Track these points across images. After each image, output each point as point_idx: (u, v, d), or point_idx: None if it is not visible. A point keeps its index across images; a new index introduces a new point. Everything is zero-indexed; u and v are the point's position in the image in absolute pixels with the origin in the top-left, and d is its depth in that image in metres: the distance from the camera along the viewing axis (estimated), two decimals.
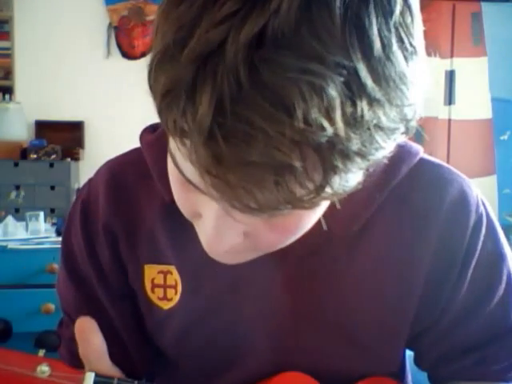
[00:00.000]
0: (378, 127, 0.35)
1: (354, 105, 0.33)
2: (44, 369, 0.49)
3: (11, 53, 3.16)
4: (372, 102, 0.34)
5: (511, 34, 3.31)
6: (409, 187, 0.59)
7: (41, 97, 3.14)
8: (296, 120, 0.32)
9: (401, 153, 0.59)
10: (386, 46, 0.34)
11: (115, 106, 3.17)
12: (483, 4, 3.33)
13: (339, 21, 0.32)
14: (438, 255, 0.60)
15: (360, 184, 0.39)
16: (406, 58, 0.35)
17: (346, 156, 0.34)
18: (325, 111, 0.32)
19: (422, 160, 0.61)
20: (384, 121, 0.35)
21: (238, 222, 0.41)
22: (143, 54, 3.21)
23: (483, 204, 0.62)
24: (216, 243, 0.43)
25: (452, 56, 3.34)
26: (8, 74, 3.17)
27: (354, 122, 0.33)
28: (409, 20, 0.36)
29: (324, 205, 0.45)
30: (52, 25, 3.14)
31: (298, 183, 0.35)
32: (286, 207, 0.37)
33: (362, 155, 0.35)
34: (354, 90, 0.33)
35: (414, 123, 0.38)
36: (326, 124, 0.33)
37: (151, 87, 0.36)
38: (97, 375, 0.50)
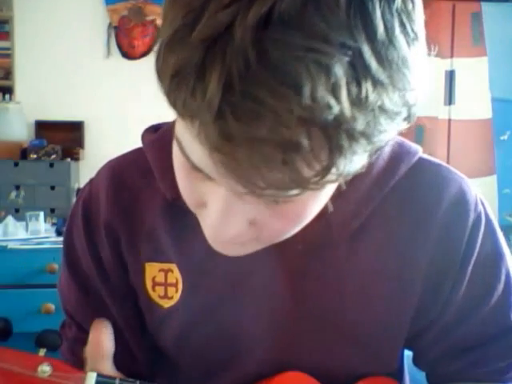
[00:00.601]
0: (382, 109, 0.35)
1: (359, 85, 0.34)
2: (45, 368, 0.49)
3: (11, 53, 3.16)
4: (376, 83, 0.34)
5: (511, 34, 3.31)
6: (408, 186, 0.60)
7: (41, 97, 3.14)
8: (303, 97, 0.33)
9: (400, 152, 0.59)
10: (388, 30, 0.35)
11: (115, 106, 3.17)
12: (483, 4, 3.33)
13: (344, 3, 0.33)
14: (437, 254, 0.60)
15: (364, 167, 0.40)
16: (407, 43, 0.36)
17: (352, 136, 0.35)
18: (331, 89, 0.33)
19: (420, 159, 0.61)
20: (387, 103, 0.35)
21: (243, 209, 0.42)
22: (143, 54, 3.21)
23: (482, 203, 0.62)
24: (221, 231, 0.43)
25: (452, 56, 3.35)
26: (8, 74, 3.17)
27: (358, 102, 0.34)
28: (410, 6, 0.37)
29: (328, 192, 0.46)
30: (52, 25, 3.15)
31: (305, 163, 0.35)
32: (292, 188, 0.38)
33: (367, 136, 0.36)
34: (358, 70, 0.34)
35: (415, 109, 0.39)
36: (332, 102, 0.33)
37: (159, 70, 0.37)
38: (99, 375, 0.50)
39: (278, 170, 0.36)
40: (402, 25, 0.36)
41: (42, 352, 0.50)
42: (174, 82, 0.36)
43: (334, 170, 0.37)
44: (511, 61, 3.33)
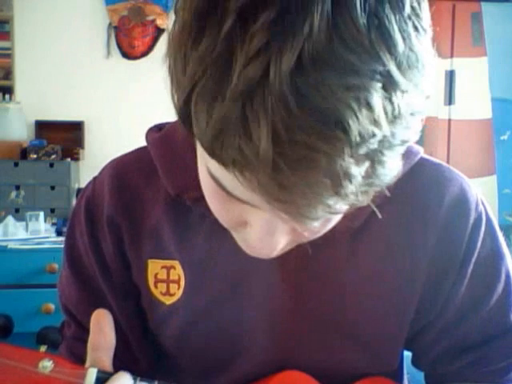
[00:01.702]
0: (412, 114, 0.37)
1: (392, 103, 0.35)
2: (46, 364, 0.49)
3: (11, 53, 3.16)
4: (403, 93, 0.35)
5: (511, 34, 3.31)
6: (409, 186, 0.60)
7: (41, 97, 3.14)
8: (353, 136, 0.34)
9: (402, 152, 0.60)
10: (406, 39, 0.35)
11: (115, 106, 3.17)
12: (483, 4, 3.33)
13: (363, 27, 0.34)
14: (438, 254, 0.60)
15: (400, 166, 0.41)
16: (421, 43, 0.37)
17: (392, 149, 0.37)
18: (373, 120, 0.34)
19: (422, 159, 0.61)
20: (415, 106, 0.37)
21: (285, 226, 0.43)
22: (143, 54, 3.21)
23: (482, 203, 0.62)
24: (267, 247, 0.45)
25: (452, 56, 3.34)
26: (8, 74, 3.17)
27: (393, 118, 0.35)
28: (416, 5, 0.37)
29: None
30: (52, 25, 3.14)
31: (355, 186, 0.37)
32: (341, 210, 0.39)
33: (403, 143, 0.37)
34: (389, 89, 0.35)
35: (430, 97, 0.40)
36: (376, 130, 0.34)
37: (198, 132, 0.37)
38: (99, 371, 0.50)
39: (332, 200, 0.37)
40: (415, 28, 0.36)
41: (43, 348, 0.50)
42: (218, 142, 0.36)
43: (377, 182, 0.38)
44: (511, 61, 3.33)
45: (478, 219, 0.61)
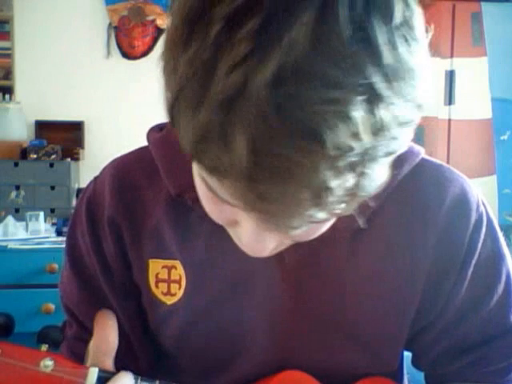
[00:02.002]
0: (398, 125, 0.36)
1: (374, 115, 0.34)
2: (47, 363, 0.49)
3: (11, 53, 3.15)
4: (388, 105, 0.35)
5: (511, 34, 3.31)
6: (410, 186, 0.60)
7: (41, 97, 3.14)
8: (327, 149, 0.34)
9: (403, 152, 0.60)
10: (393, 51, 0.35)
11: (115, 106, 3.17)
12: (483, 4, 3.33)
13: (347, 39, 0.33)
14: (439, 253, 0.60)
15: (388, 177, 0.41)
16: (411, 53, 0.36)
17: (375, 160, 0.36)
18: (351, 134, 0.34)
19: (423, 160, 0.61)
20: (401, 117, 0.36)
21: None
22: (143, 54, 3.21)
23: (483, 204, 0.62)
24: (257, 247, 0.45)
25: (452, 56, 3.34)
26: (8, 74, 3.17)
27: (376, 130, 0.35)
28: (408, 14, 0.36)
29: None
30: (52, 25, 3.14)
31: (335, 197, 0.36)
32: (323, 219, 0.39)
33: (388, 155, 0.37)
34: (373, 102, 0.34)
35: (425, 105, 0.39)
36: (354, 144, 0.34)
37: (181, 137, 0.37)
38: (100, 370, 0.50)
39: (311, 211, 0.37)
40: (405, 39, 0.36)
41: (45, 348, 0.50)
42: (199, 149, 0.36)
43: (361, 193, 0.38)
44: (511, 61, 3.33)
45: (479, 220, 0.61)
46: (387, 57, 0.34)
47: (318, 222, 0.40)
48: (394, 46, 0.35)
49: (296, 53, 0.33)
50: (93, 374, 0.50)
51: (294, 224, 0.38)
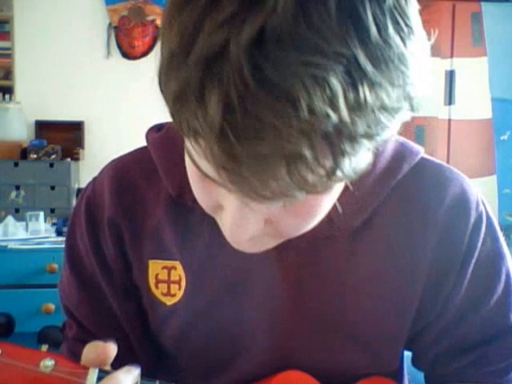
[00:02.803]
0: (382, 108, 0.36)
1: (356, 90, 0.34)
2: (48, 363, 0.49)
3: (11, 53, 3.15)
4: (373, 85, 0.35)
5: (511, 34, 3.31)
6: (410, 185, 0.60)
7: (41, 97, 3.14)
8: (301, 111, 0.33)
9: (403, 151, 0.60)
10: (381, 30, 0.35)
11: (115, 106, 3.17)
12: (483, 4, 3.33)
13: (334, 12, 0.34)
14: (439, 253, 0.60)
15: (370, 165, 0.41)
16: (403, 39, 0.36)
17: (354, 139, 0.36)
18: (328, 100, 0.34)
19: (423, 159, 0.61)
20: (387, 102, 0.36)
21: (257, 211, 0.43)
22: (143, 54, 3.21)
23: (483, 203, 0.62)
24: (239, 232, 0.44)
25: (452, 56, 3.34)
26: (8, 74, 3.16)
27: (357, 106, 0.34)
28: (403, 2, 0.37)
29: (339, 187, 0.46)
30: (52, 25, 3.14)
31: (310, 170, 0.36)
32: (299, 193, 0.38)
33: (369, 137, 0.36)
34: (354, 76, 0.34)
35: (418, 100, 0.39)
36: (330, 112, 0.34)
37: (162, 93, 0.38)
38: (101, 371, 0.50)
39: (284, 180, 0.36)
40: (396, 22, 0.36)
41: (45, 348, 0.50)
42: (177, 105, 0.36)
43: (339, 173, 0.37)
44: (511, 61, 3.33)
45: (479, 219, 0.61)
46: (374, 35, 0.34)
47: (290, 197, 0.39)
48: (383, 27, 0.35)
49: (279, 16, 0.33)
50: (93, 374, 0.50)
51: (268, 193, 0.38)
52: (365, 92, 0.34)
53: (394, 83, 0.36)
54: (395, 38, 0.35)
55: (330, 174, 0.37)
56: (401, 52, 0.36)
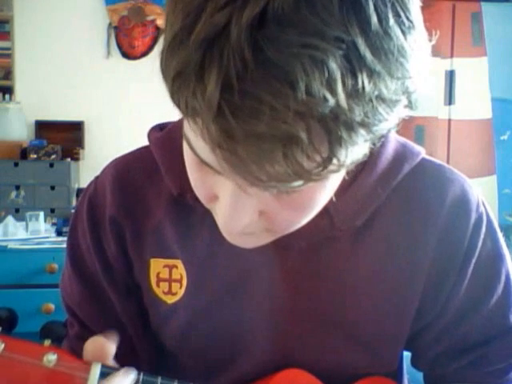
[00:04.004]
0: (380, 99, 0.36)
1: (355, 77, 0.34)
2: (51, 358, 0.49)
3: (11, 53, 3.15)
4: (372, 74, 0.35)
5: (511, 34, 3.31)
6: (411, 186, 0.60)
7: (41, 97, 3.14)
8: (299, 92, 0.34)
9: (403, 152, 0.60)
10: (382, 21, 0.35)
11: (115, 106, 3.17)
12: (483, 4, 3.33)
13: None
14: (439, 253, 0.60)
15: (366, 156, 0.41)
16: (403, 32, 0.36)
17: (350, 127, 0.36)
18: (326, 83, 0.34)
19: (423, 160, 0.61)
20: (385, 93, 0.36)
21: (251, 201, 0.43)
22: (143, 54, 3.21)
23: (483, 204, 0.62)
24: (232, 221, 0.44)
25: (452, 56, 3.34)
26: (8, 74, 3.16)
27: (355, 93, 0.35)
28: None
29: (334, 181, 0.46)
30: (52, 25, 3.14)
31: (306, 155, 0.36)
32: (295, 180, 0.38)
33: (366, 126, 0.36)
34: (353, 62, 0.34)
35: (416, 96, 0.39)
36: (328, 95, 0.34)
37: (163, 72, 0.38)
38: (103, 366, 0.50)
39: (279, 164, 0.36)
40: (397, 14, 0.36)
41: (48, 342, 0.50)
42: (176, 84, 0.37)
43: (335, 161, 0.37)
44: (511, 61, 3.33)
45: (479, 220, 0.61)
46: (375, 23, 0.35)
47: (285, 183, 0.39)
48: (384, 17, 0.35)
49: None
50: (95, 369, 0.50)
51: (263, 177, 0.38)
52: (363, 80, 0.35)
53: (393, 75, 0.36)
54: (396, 30, 0.36)
55: (326, 162, 0.37)
56: (401, 44, 0.36)
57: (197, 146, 0.41)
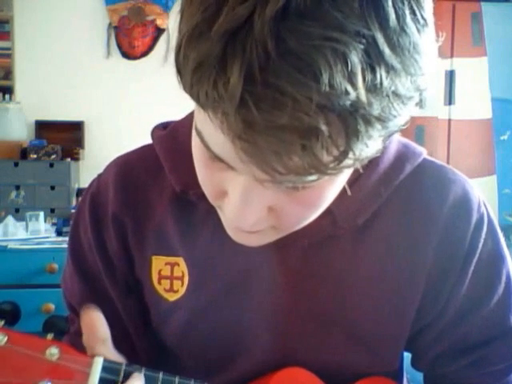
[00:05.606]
0: (396, 94, 0.37)
1: (374, 71, 0.35)
2: (53, 351, 0.49)
3: (11, 53, 3.15)
4: (389, 69, 0.36)
5: (511, 34, 3.31)
6: (412, 186, 0.60)
7: (41, 97, 3.14)
8: (322, 84, 0.34)
9: (405, 152, 0.60)
10: (400, 17, 0.36)
11: (115, 106, 3.17)
12: (483, 4, 3.33)
13: None
14: (440, 253, 0.60)
15: (379, 152, 0.41)
16: (418, 30, 0.37)
17: (368, 121, 0.36)
18: (348, 76, 0.34)
19: (425, 160, 0.61)
20: (400, 88, 0.37)
21: (262, 196, 0.43)
22: (143, 54, 3.21)
23: (484, 205, 0.63)
24: (242, 217, 0.44)
25: (452, 56, 3.34)
26: (8, 74, 3.16)
27: (374, 88, 0.35)
28: None
29: (343, 178, 0.47)
30: (52, 25, 3.14)
31: (324, 148, 0.37)
32: (311, 173, 0.39)
33: (382, 121, 0.37)
34: (373, 57, 0.35)
35: (426, 94, 0.40)
36: (349, 88, 0.34)
37: (179, 65, 0.38)
38: (105, 360, 0.50)
39: (298, 156, 0.37)
40: (413, 12, 0.37)
41: (50, 336, 0.50)
42: (196, 76, 0.37)
43: (351, 155, 0.38)
44: (511, 61, 3.33)
45: (480, 220, 0.61)
46: (393, 20, 0.35)
47: (303, 176, 0.39)
48: (402, 14, 0.36)
49: None
50: (97, 363, 0.50)
51: (281, 169, 0.38)
52: (381, 75, 0.35)
53: (408, 71, 0.37)
54: (412, 27, 0.36)
55: (342, 156, 0.38)
56: (416, 41, 0.37)
57: (211, 140, 0.41)
